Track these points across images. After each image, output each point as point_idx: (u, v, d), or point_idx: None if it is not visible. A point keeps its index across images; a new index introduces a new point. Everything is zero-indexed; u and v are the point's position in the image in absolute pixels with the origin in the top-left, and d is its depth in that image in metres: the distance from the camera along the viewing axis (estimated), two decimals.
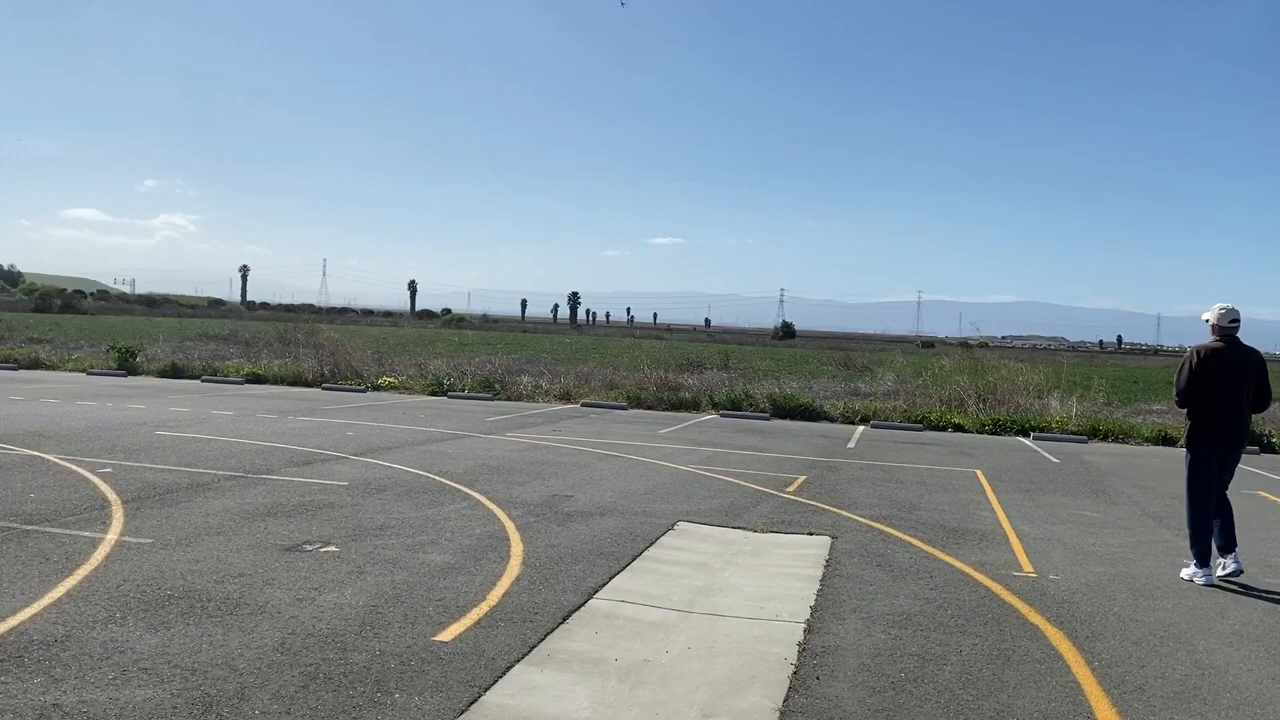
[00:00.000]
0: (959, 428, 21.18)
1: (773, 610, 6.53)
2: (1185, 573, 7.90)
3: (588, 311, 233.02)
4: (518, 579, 6.84)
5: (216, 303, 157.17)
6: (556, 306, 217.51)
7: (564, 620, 6.00)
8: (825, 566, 7.74)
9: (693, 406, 23.08)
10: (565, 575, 7.01)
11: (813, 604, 6.66)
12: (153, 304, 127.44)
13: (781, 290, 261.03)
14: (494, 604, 6.21)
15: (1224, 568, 7.81)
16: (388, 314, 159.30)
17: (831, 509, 10.28)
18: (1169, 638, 6.21)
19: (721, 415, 21.85)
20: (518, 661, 5.24)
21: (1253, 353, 7.85)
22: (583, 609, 6.29)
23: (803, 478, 12.46)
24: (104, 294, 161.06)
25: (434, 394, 23.63)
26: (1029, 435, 20.44)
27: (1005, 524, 9.91)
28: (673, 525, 9.03)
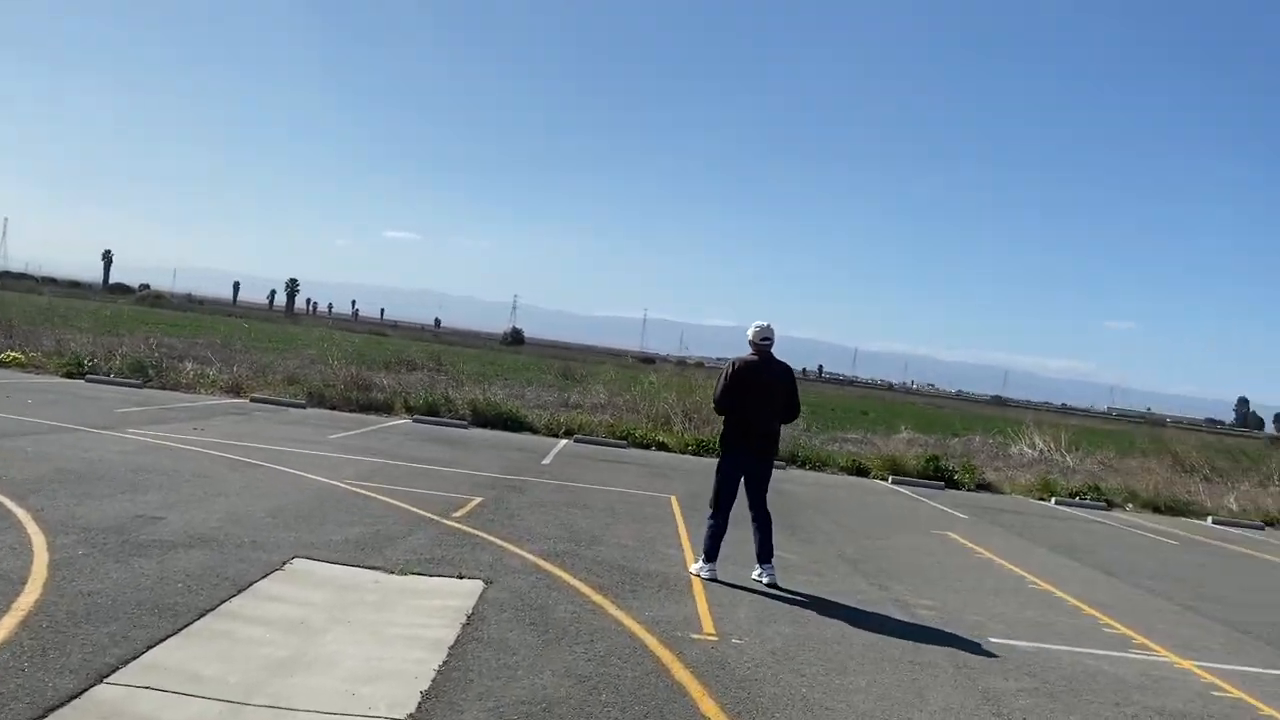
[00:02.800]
0: (663, 446, 20.27)
1: (368, 699, 4.76)
2: (693, 567, 8.31)
3: (308, 300, 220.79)
4: None
5: None
6: (274, 292, 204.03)
7: None
8: (464, 625, 6.07)
9: (384, 409, 20.82)
10: (80, 643, 4.91)
11: (427, 686, 4.95)
12: None
13: (515, 296, 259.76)
14: None
15: (764, 575, 8.22)
16: (75, 284, 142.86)
17: (499, 541, 8.65)
18: None
19: (415, 421, 19.78)
20: None
21: (784, 368, 8.49)
22: (76, 702, 4.26)
23: (478, 499, 10.76)
24: None
25: (70, 375, 19.94)
26: None
27: (691, 565, 8.67)
28: (285, 563, 7.05)
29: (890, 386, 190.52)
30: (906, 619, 7.60)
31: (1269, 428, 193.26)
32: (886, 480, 19.63)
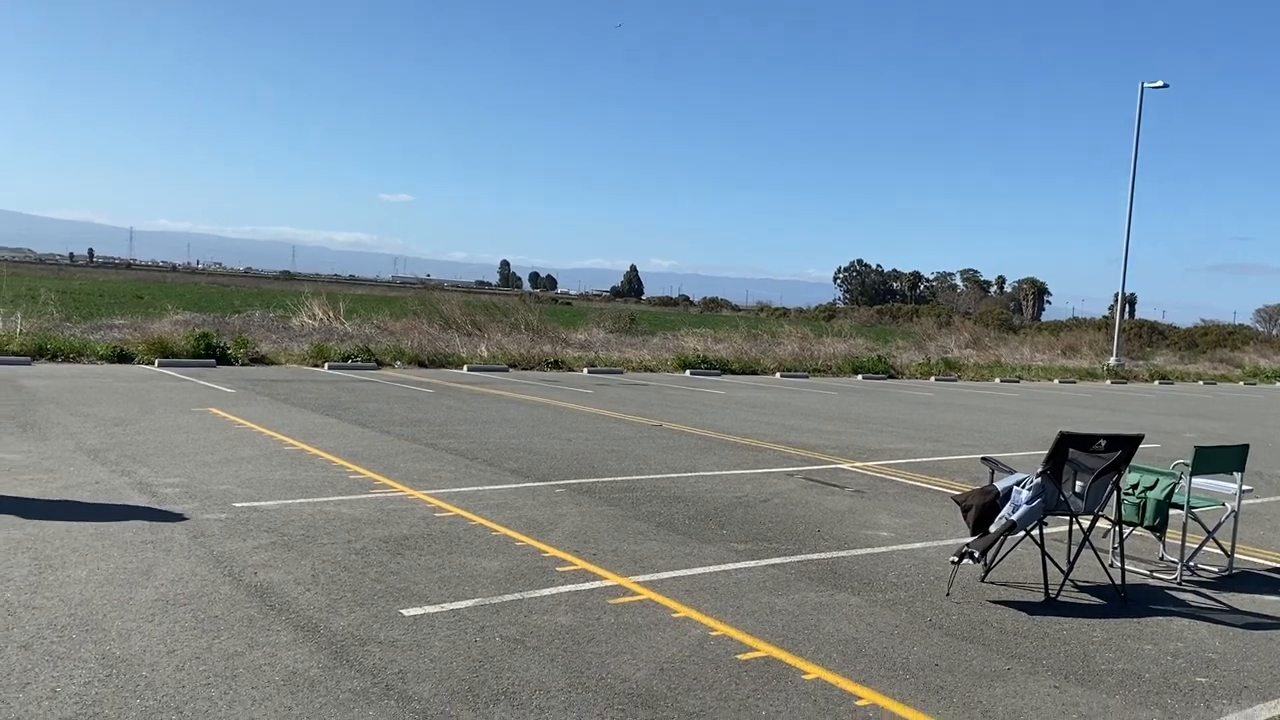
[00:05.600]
0: None
1: None
2: None
3: None
4: None
5: None
6: None
7: None
8: None
9: None
10: None
11: None
12: None
13: None
14: None
15: None
16: None
17: None
18: (74, 625, 4.68)
19: None
20: None
21: None
22: None
23: None
24: None
25: None
26: None
27: None
28: None
29: (174, 268, 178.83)
30: (146, 500, 7.27)
31: (525, 285, 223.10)
32: (154, 364, 18.52)
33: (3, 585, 5.20)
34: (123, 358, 18.88)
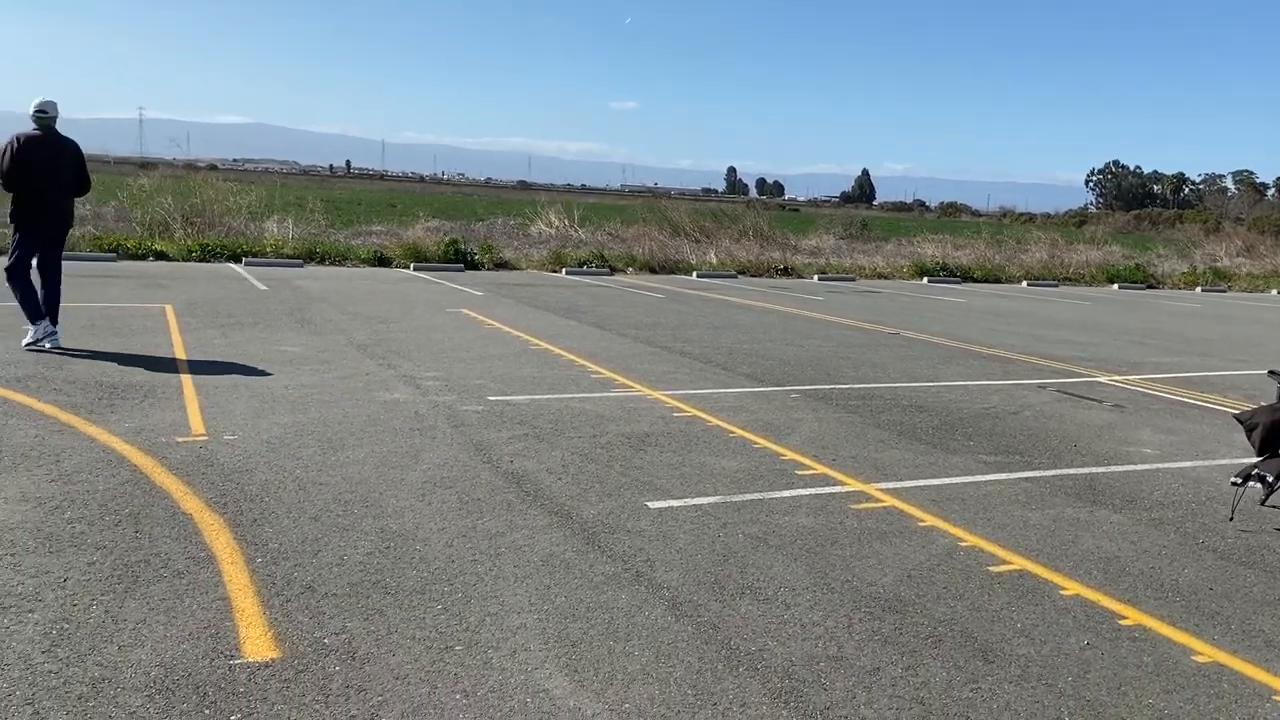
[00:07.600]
0: (162, 255, 18.59)
1: None
2: (27, 340, 8.58)
3: None
4: None
5: None
6: None
7: None
8: None
9: None
10: None
11: None
12: None
13: None
14: None
15: (33, 334, 8.59)
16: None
17: None
18: (355, 501, 5.13)
19: None
20: None
21: (69, 141, 8.66)
22: None
23: None
24: None
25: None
26: (241, 261, 18.76)
27: (183, 370, 8.15)
28: None
29: (422, 179, 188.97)
30: (411, 392, 7.81)
31: (752, 192, 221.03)
32: (409, 268, 19.74)
33: (294, 463, 5.75)
34: (381, 261, 20.23)
